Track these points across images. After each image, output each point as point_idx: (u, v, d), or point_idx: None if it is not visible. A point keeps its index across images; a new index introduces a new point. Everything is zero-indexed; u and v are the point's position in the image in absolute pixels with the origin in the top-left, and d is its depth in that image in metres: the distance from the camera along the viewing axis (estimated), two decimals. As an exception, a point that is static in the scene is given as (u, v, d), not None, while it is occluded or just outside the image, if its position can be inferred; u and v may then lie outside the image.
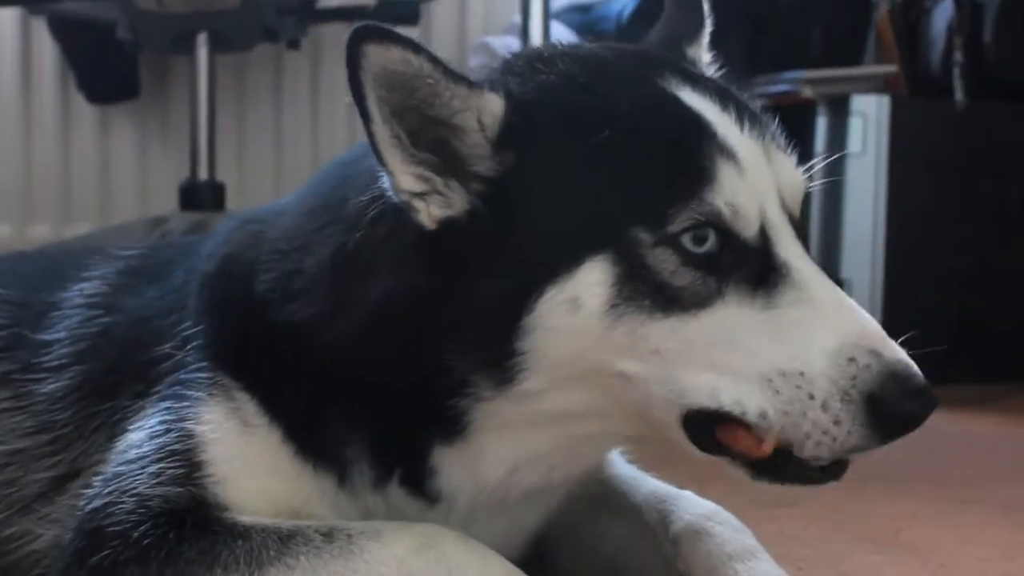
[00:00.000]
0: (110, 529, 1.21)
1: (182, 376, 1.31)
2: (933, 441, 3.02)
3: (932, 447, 2.88)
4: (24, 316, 1.51)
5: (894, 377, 1.09)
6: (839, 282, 4.73)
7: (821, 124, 4.12)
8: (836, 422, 1.09)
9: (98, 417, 1.38)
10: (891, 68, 4.16)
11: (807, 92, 4.09)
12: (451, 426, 1.21)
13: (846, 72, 4.13)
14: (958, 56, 3.97)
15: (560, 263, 1.12)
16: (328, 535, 1.18)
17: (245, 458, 1.26)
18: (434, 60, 1.13)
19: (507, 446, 1.22)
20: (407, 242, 1.18)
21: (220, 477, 1.24)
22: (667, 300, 1.12)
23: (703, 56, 1.40)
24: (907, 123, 4.01)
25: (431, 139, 1.16)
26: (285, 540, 1.18)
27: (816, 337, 1.11)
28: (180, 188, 3.67)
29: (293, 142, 4.46)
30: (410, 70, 1.12)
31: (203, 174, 3.65)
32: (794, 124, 1.36)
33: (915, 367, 1.11)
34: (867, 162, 4.06)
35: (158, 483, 1.23)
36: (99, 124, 4.39)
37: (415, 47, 1.12)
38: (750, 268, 1.14)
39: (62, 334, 1.46)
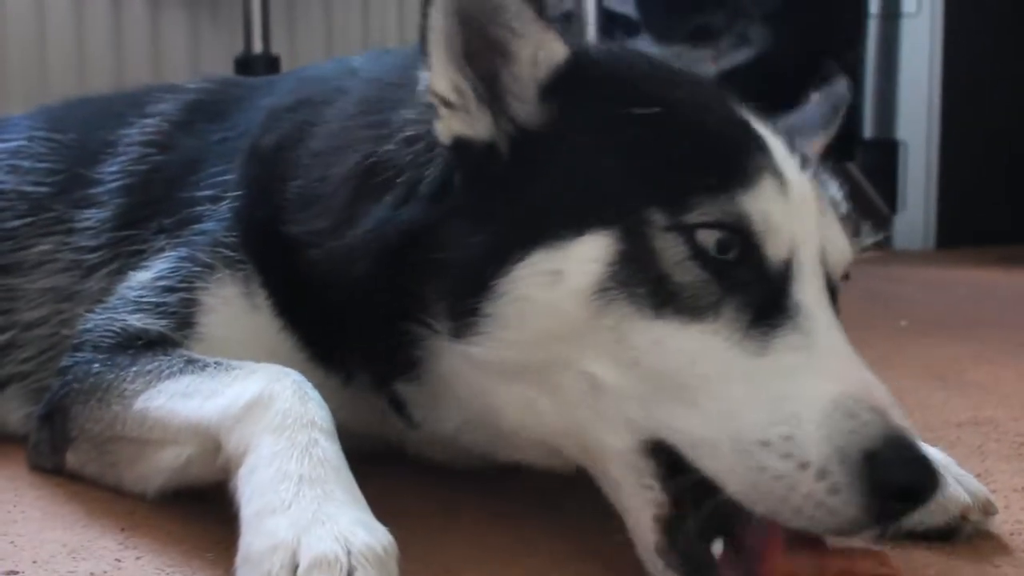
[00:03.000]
0: (89, 344, 1.31)
1: (210, 227, 1.33)
2: (992, 293, 3.06)
3: (992, 297, 2.93)
4: (80, 157, 1.56)
5: (899, 441, 0.92)
6: (894, 144, 4.71)
7: (875, -15, 4.08)
8: (833, 491, 0.90)
9: (124, 244, 1.44)
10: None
11: (862, -48, 4.03)
12: (406, 355, 1.14)
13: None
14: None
15: (558, 229, 1.02)
16: (218, 364, 1.19)
17: (240, 332, 1.29)
18: None
19: (453, 405, 1.16)
20: (425, 173, 1.13)
21: (207, 339, 1.28)
22: (662, 296, 0.99)
23: (811, 152, 1.26)
24: (963, -18, 3.97)
25: (484, 66, 1.09)
26: (188, 364, 1.20)
27: (809, 388, 0.94)
28: (235, 61, 3.70)
29: (345, 12, 4.46)
30: None
31: (257, 46, 3.68)
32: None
33: (920, 443, 0.95)
34: (922, 22, 4.01)
35: (146, 323, 1.30)
36: (151, 1, 4.40)
37: None
38: (760, 296, 1.00)
39: (115, 168, 1.51)
